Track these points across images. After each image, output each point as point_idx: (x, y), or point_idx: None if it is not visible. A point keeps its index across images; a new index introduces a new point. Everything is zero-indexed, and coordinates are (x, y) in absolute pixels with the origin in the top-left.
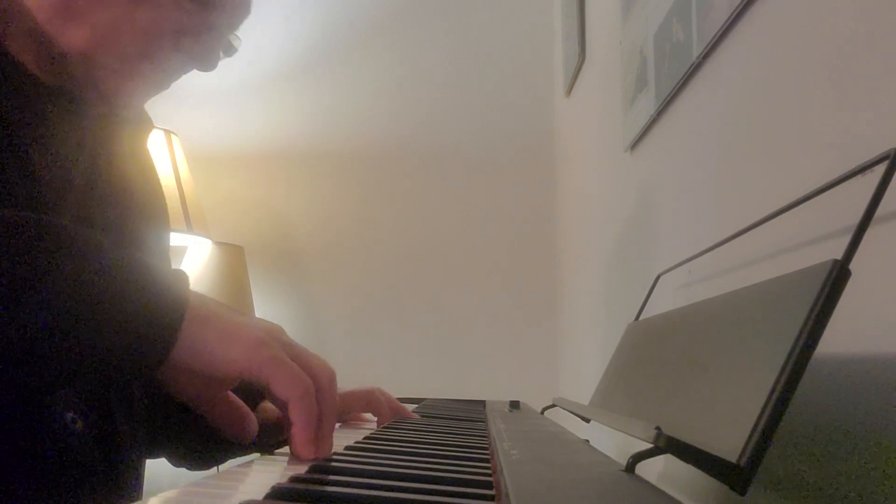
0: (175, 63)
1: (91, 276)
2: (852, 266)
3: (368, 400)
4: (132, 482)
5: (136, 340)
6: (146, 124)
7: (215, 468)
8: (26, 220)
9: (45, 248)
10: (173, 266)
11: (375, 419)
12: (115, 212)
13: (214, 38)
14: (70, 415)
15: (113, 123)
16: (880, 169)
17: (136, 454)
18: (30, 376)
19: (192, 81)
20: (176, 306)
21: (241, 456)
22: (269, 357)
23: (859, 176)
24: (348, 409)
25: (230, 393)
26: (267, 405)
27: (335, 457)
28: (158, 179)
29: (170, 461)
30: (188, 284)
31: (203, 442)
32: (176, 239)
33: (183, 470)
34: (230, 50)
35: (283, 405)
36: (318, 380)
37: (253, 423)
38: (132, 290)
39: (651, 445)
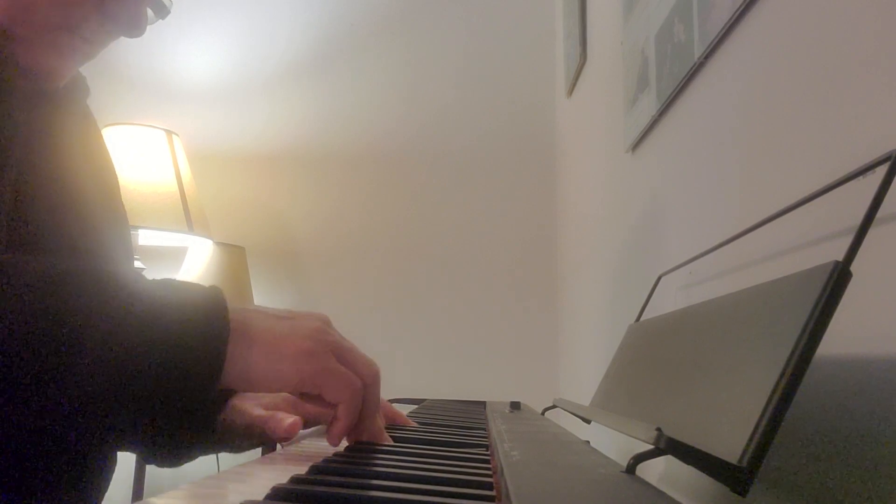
0: (100, 31)
1: (134, 321)
2: (853, 267)
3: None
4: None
5: (181, 374)
6: (86, 111)
7: (216, 468)
8: (66, 270)
9: (87, 301)
10: (135, 264)
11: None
12: (58, 213)
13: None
14: None
15: (48, 110)
16: (881, 170)
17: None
18: (67, 422)
19: (194, 81)
20: (218, 334)
21: (205, 455)
22: (319, 369)
23: (860, 177)
24: None
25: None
26: (237, 405)
27: (335, 457)
28: (113, 172)
29: (139, 457)
30: (225, 304)
31: (166, 441)
32: (177, 239)
33: (183, 470)
34: (162, 11)
35: (332, 406)
36: (364, 379)
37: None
38: (169, 328)
39: (652, 447)
